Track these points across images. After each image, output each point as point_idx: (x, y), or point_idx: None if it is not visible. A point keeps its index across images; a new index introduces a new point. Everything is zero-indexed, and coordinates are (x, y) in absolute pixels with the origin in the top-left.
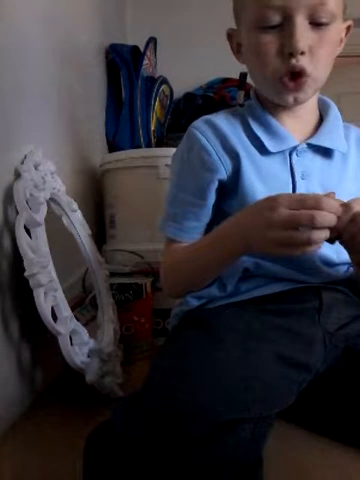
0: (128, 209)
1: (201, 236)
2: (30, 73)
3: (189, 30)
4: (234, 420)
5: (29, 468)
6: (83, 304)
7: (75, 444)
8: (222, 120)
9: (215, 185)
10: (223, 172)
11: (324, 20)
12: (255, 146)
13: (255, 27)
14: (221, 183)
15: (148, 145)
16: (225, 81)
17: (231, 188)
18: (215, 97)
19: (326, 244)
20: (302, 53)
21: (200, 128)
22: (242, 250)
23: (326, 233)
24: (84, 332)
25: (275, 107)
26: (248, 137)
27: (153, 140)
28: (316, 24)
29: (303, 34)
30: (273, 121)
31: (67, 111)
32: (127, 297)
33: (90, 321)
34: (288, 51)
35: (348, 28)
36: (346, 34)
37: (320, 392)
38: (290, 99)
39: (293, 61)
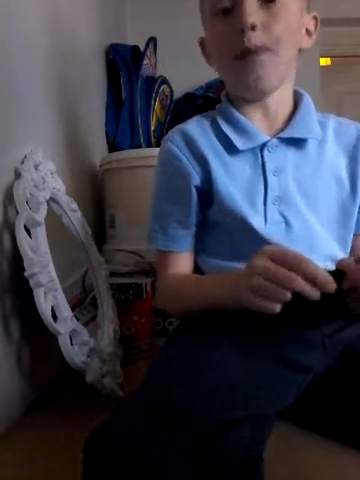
0: (128, 209)
1: (191, 246)
2: (30, 73)
3: (189, 30)
4: (234, 419)
5: (29, 468)
6: (83, 304)
7: (75, 444)
8: (193, 126)
9: (193, 192)
10: (196, 177)
11: None
12: (224, 146)
13: (211, 18)
14: (198, 190)
15: (148, 145)
16: None
17: (208, 194)
18: (215, 97)
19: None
20: (253, 28)
21: (171, 137)
22: (234, 297)
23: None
24: (84, 332)
25: (246, 104)
26: (218, 138)
27: (153, 140)
28: (265, 1)
29: (252, 10)
30: (242, 118)
31: (67, 111)
32: (127, 297)
33: (90, 321)
34: (239, 28)
35: (315, 19)
36: (315, 27)
37: (320, 392)
38: (251, 79)
39: (245, 39)
